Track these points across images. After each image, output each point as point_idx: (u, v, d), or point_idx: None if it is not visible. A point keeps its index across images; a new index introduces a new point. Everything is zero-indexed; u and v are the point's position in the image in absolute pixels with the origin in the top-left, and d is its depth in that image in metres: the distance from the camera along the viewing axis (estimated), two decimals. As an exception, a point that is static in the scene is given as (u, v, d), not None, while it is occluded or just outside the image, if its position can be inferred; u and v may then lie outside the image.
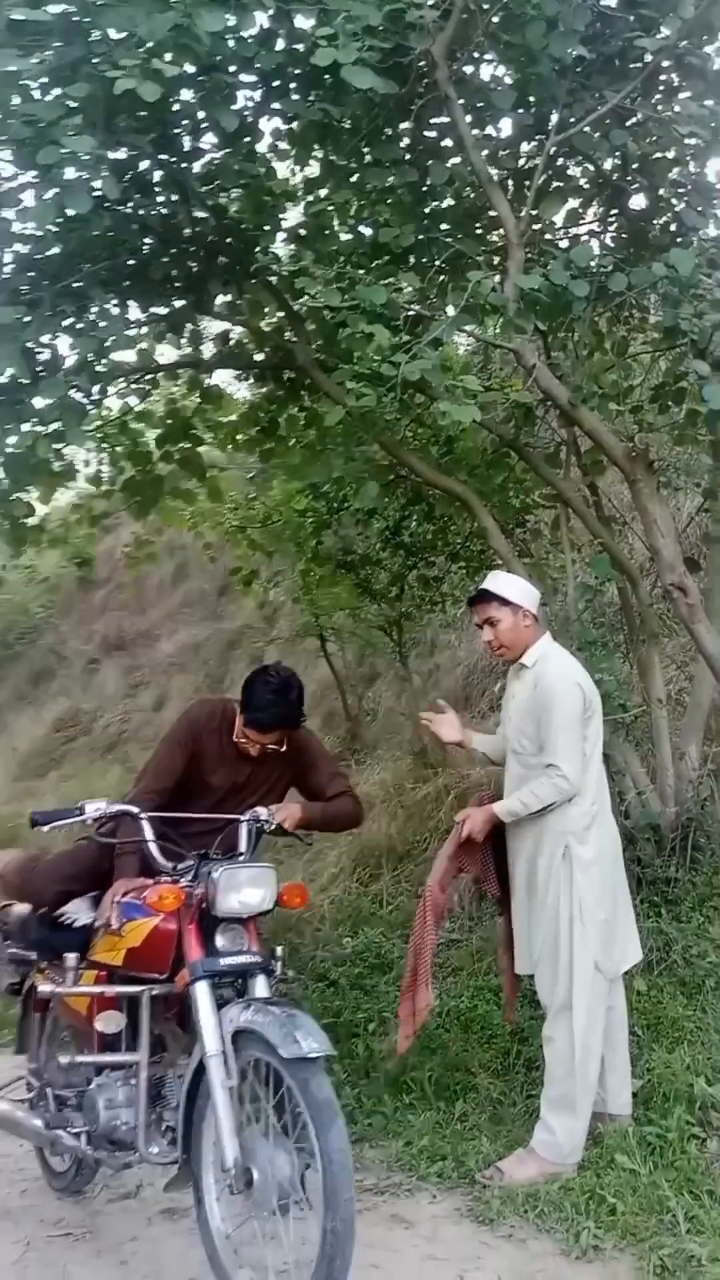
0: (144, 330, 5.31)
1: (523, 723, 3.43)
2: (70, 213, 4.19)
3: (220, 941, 2.84)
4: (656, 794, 4.33)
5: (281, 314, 5.14)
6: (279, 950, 2.97)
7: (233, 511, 7.04)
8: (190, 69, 3.91)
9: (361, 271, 4.03)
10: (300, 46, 4.07)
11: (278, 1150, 2.58)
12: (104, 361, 4.79)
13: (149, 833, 3.05)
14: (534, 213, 4.26)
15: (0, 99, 3.91)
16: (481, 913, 4.94)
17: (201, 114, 4.28)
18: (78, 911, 3.41)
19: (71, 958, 3.20)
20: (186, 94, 4.25)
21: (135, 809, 3.10)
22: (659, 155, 4.28)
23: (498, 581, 3.56)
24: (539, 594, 3.60)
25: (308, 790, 3.56)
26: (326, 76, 4.16)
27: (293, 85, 4.26)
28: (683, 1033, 3.62)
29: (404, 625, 6.92)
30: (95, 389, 4.93)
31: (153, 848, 3.03)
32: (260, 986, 2.81)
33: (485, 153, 4.25)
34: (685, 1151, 3.13)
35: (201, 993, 2.73)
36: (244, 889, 2.84)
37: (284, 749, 3.45)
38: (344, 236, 4.76)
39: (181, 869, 2.97)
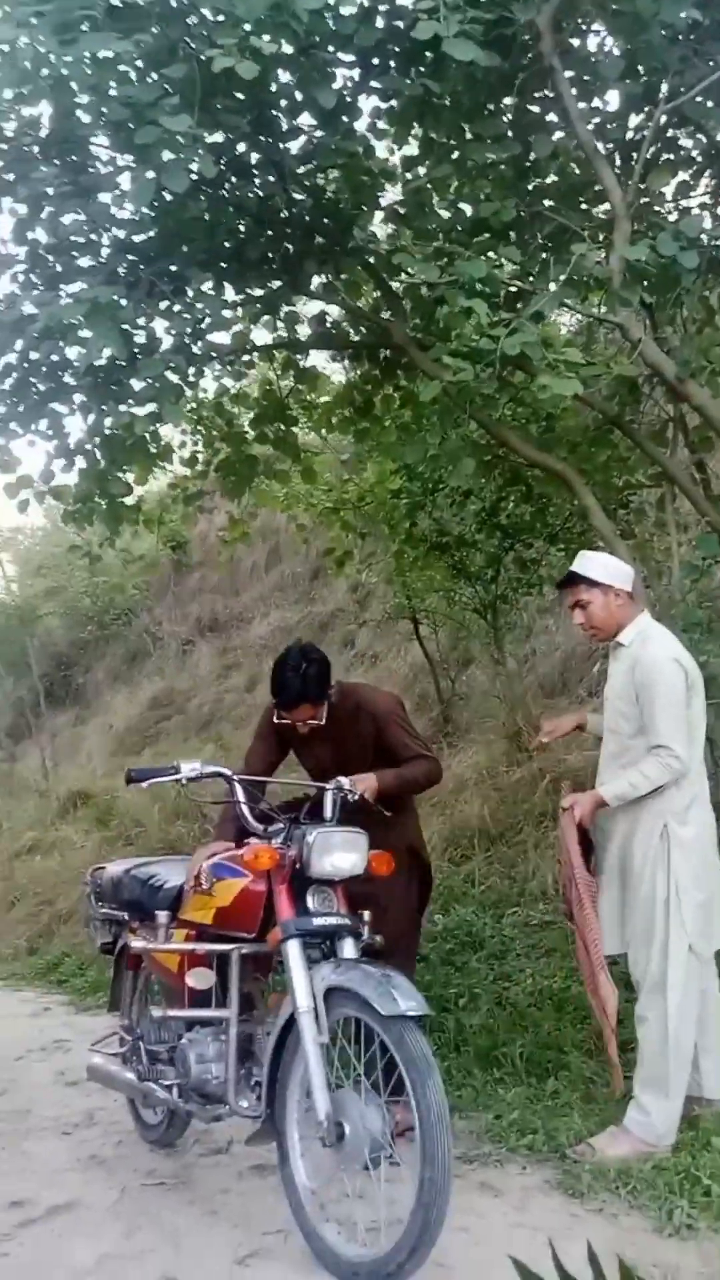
0: (240, 312, 5.38)
1: (620, 703, 3.37)
2: (167, 196, 4.31)
3: (311, 902, 2.91)
4: (757, 779, 4.21)
5: (378, 293, 5.14)
6: (365, 915, 3.00)
7: (326, 493, 7.08)
8: (288, 48, 3.95)
9: (460, 248, 4.00)
10: (400, 22, 4.07)
11: (369, 1106, 2.63)
12: (200, 343, 4.89)
13: (240, 794, 3.12)
14: (642, 185, 4.17)
15: (99, 82, 4.01)
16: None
17: (299, 94, 4.31)
18: (168, 873, 3.50)
19: (163, 915, 3.30)
20: (284, 75, 4.30)
21: (228, 770, 3.18)
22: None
23: (586, 562, 3.50)
24: (632, 571, 3.52)
25: (389, 759, 3.60)
26: (427, 52, 4.15)
27: (392, 62, 4.25)
28: (781, 1019, 3.52)
29: (499, 608, 6.87)
30: (191, 370, 5.02)
31: (244, 808, 3.11)
32: (349, 948, 2.86)
33: (591, 125, 4.16)
34: (783, 1137, 3.07)
35: (293, 950, 2.80)
36: (337, 852, 2.90)
37: (326, 722, 3.52)
38: (443, 214, 4.72)
39: (272, 831, 3.03)
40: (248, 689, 11.26)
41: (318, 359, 6.21)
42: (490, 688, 7.70)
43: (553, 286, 4.03)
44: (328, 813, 3.09)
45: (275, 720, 3.58)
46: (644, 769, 3.21)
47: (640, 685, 3.28)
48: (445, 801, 6.22)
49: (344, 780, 3.17)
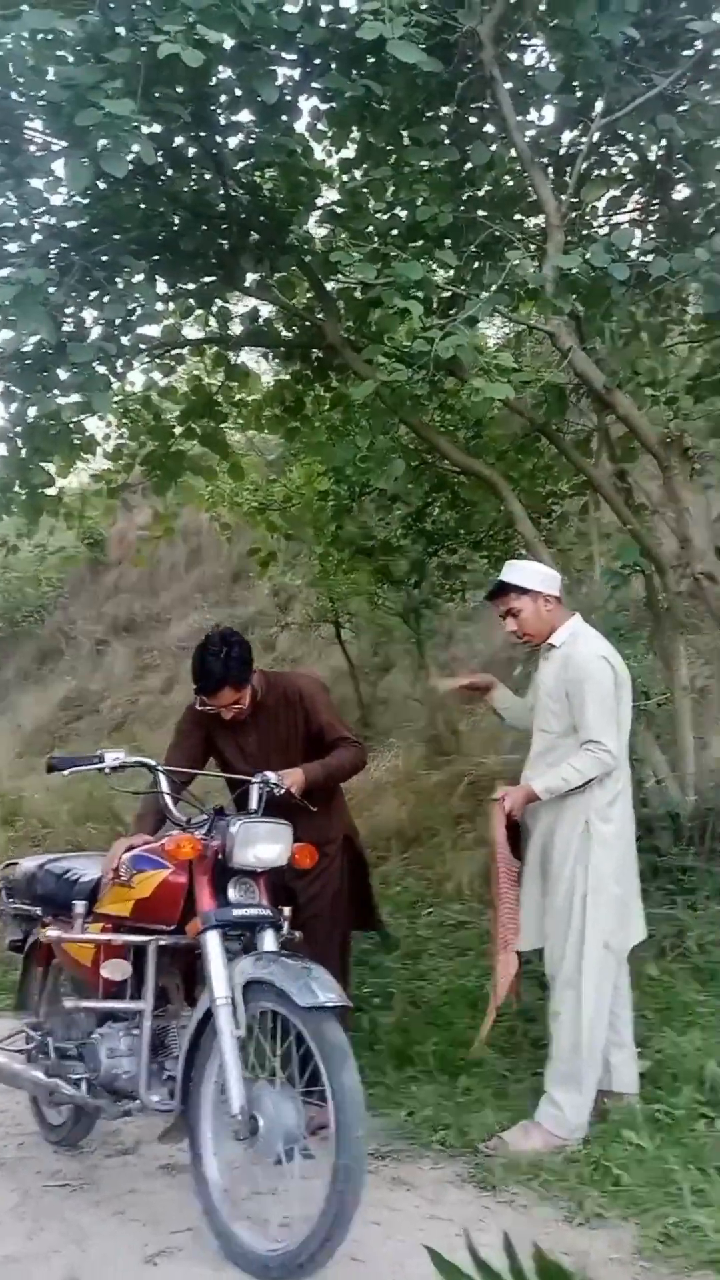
0: (171, 306, 5.34)
1: (550, 702, 3.42)
2: (102, 185, 4.26)
3: (232, 894, 2.88)
4: (676, 782, 4.33)
5: (311, 293, 5.16)
6: (285, 910, 2.99)
7: (253, 492, 7.06)
8: (231, 42, 3.95)
9: (396, 252, 4.04)
10: (344, 25, 4.10)
11: (283, 1099, 2.61)
12: (130, 335, 4.83)
13: (164, 785, 3.09)
14: (575, 199, 4.26)
15: (38, 62, 3.95)
16: (492, 896, 4.95)
17: (239, 90, 4.31)
18: (83, 868, 3.44)
19: (80, 905, 3.23)
20: (225, 71, 4.29)
21: (152, 761, 3.14)
22: (706, 143, 4.28)
23: (514, 571, 3.53)
24: (559, 576, 3.58)
25: (314, 740, 3.59)
26: (369, 57, 4.20)
27: (333, 64, 4.28)
28: (694, 1017, 3.62)
29: (422, 614, 6.93)
30: (120, 362, 4.96)
31: (168, 800, 3.08)
32: (269, 941, 2.84)
33: (527, 137, 4.25)
34: (693, 1129, 3.13)
35: (212, 941, 2.77)
36: (260, 843, 2.88)
37: (254, 709, 3.50)
38: (380, 217, 4.76)
39: (196, 822, 2.99)
40: (164, 690, 11.12)
41: (248, 357, 6.20)
42: (410, 693, 7.76)
43: (486, 294, 4.09)
44: (253, 805, 3.07)
45: (199, 708, 3.53)
46: (575, 763, 3.26)
47: (571, 682, 3.33)
48: (364, 804, 6.23)
49: (270, 774, 3.15)
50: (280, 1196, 2.70)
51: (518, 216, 4.74)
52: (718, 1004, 3.65)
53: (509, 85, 4.14)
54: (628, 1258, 2.65)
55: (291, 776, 3.31)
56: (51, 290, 4.04)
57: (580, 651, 3.37)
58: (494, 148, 4.48)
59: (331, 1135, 2.46)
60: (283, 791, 3.17)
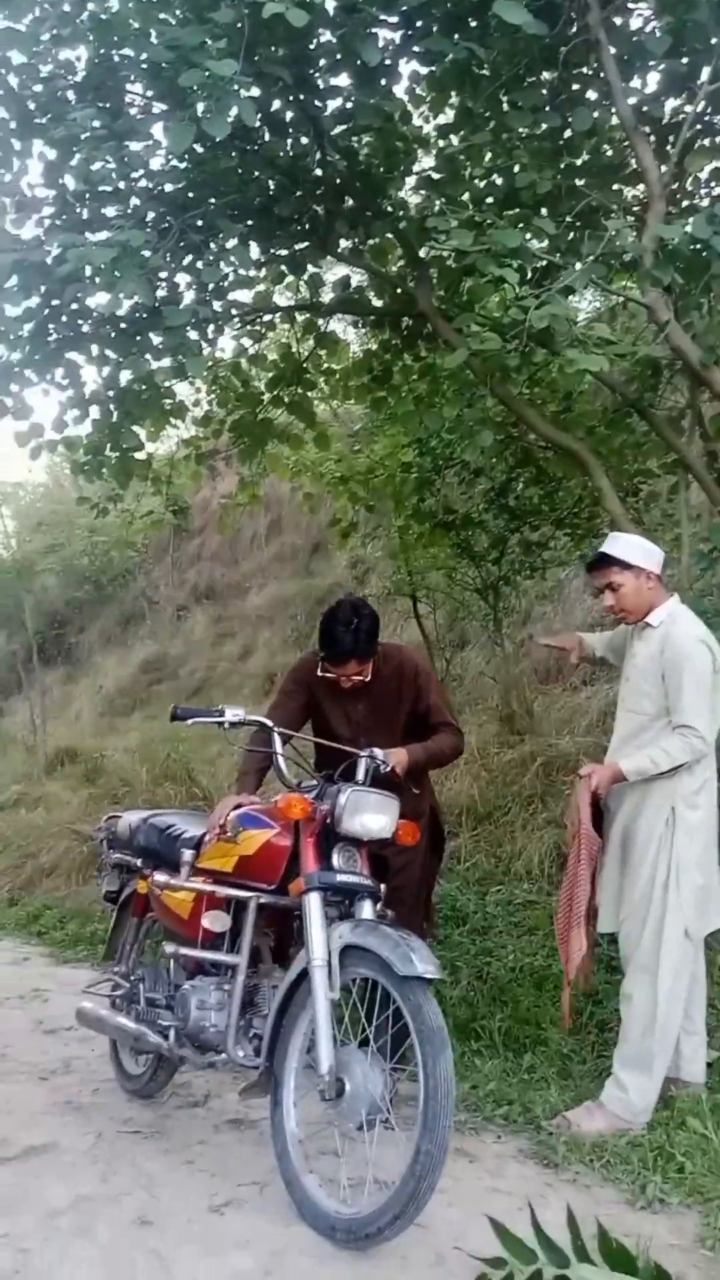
0: (264, 272, 5.34)
1: (643, 682, 3.34)
2: (199, 149, 4.26)
3: (336, 860, 2.91)
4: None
5: (404, 260, 5.11)
6: (382, 886, 3.01)
7: (336, 463, 7.05)
8: (333, 3, 3.91)
9: (493, 219, 3.97)
10: (448, -15, 4.03)
11: (373, 1068, 2.65)
12: (223, 301, 4.85)
13: (279, 746, 3.13)
14: (677, 169, 4.14)
15: (144, 24, 3.96)
16: (560, 875, 4.91)
17: (340, 54, 4.27)
18: (185, 823, 3.52)
19: (189, 854, 3.31)
20: (326, 34, 4.26)
21: (269, 721, 3.19)
22: None
23: (617, 544, 3.42)
24: (662, 554, 3.46)
25: (418, 717, 3.59)
26: (471, 19, 4.12)
27: (435, 26, 4.21)
28: (763, 1007, 3.56)
29: (500, 591, 6.86)
30: (212, 328, 4.99)
31: (281, 760, 3.12)
32: (367, 910, 2.87)
33: (632, 102, 4.13)
34: (759, 1121, 3.09)
35: (314, 903, 2.81)
36: (369, 812, 2.92)
37: (370, 678, 3.50)
38: (477, 183, 4.69)
39: (306, 786, 3.04)
40: (241, 658, 11.25)
41: (338, 325, 6.17)
42: (485, 670, 7.71)
43: (583, 264, 4.01)
44: (360, 778, 3.08)
45: (320, 673, 3.52)
46: (666, 746, 3.19)
47: (669, 665, 3.25)
48: (436, 779, 6.20)
49: (377, 751, 3.16)
50: (354, 1161, 2.74)
51: (617, 186, 4.62)
52: None
53: (614, 50, 4.02)
54: (689, 1245, 2.63)
55: (397, 756, 3.32)
56: (148, 254, 4.07)
57: (680, 633, 3.28)
58: (596, 114, 4.36)
59: (419, 1118, 2.48)
60: (388, 770, 3.19)
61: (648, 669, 3.33)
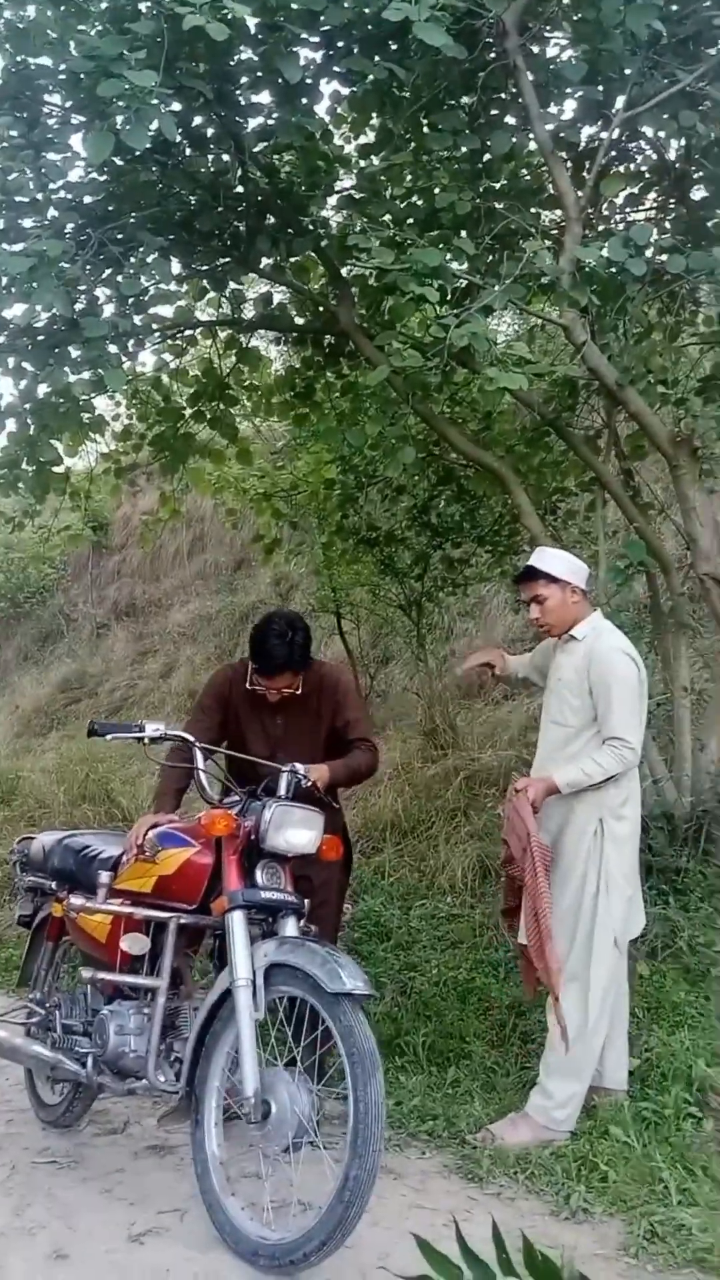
0: (184, 287, 5.31)
1: (569, 695, 3.38)
2: (119, 161, 4.23)
3: (260, 877, 2.88)
4: (673, 783, 4.32)
5: (326, 278, 5.13)
6: (305, 902, 2.98)
7: (260, 479, 7.03)
8: (255, 20, 3.91)
9: (413, 239, 4.01)
10: (368, 8, 4.06)
11: (299, 1089, 2.61)
12: (143, 315, 4.80)
13: (200, 761, 3.07)
14: (593, 193, 4.23)
15: (63, 32, 3.92)
16: (484, 889, 4.94)
17: (261, 71, 4.28)
18: (102, 844, 3.44)
19: (105, 875, 3.23)
20: (248, 51, 4.27)
21: (190, 736, 3.13)
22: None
23: (545, 558, 3.48)
24: (587, 569, 3.55)
25: (335, 732, 3.58)
26: (392, 42, 4.17)
27: (356, 47, 4.25)
28: (684, 1017, 3.62)
29: (423, 607, 6.90)
30: (132, 342, 4.93)
31: (203, 776, 3.07)
32: (290, 927, 2.85)
33: (549, 128, 4.22)
34: (680, 1129, 3.13)
35: (238, 921, 2.77)
36: (294, 828, 2.90)
37: (299, 692, 3.48)
38: (398, 203, 4.73)
39: (229, 802, 2.99)
40: (163, 675, 11.10)
41: (260, 342, 6.16)
42: (409, 685, 7.74)
43: (501, 285, 4.07)
44: (281, 793, 3.04)
45: (249, 686, 3.50)
46: (598, 759, 3.23)
47: (596, 678, 3.30)
48: (360, 794, 6.22)
49: (299, 766, 3.13)
50: (277, 1184, 2.70)
51: (535, 209, 4.70)
52: (707, 1004, 3.65)
53: (532, 76, 4.11)
54: (613, 1253, 2.65)
55: (317, 771, 3.29)
56: (66, 265, 4.01)
57: (605, 647, 3.35)
58: (514, 139, 4.45)
59: (348, 1142, 2.46)
60: (308, 784, 3.16)
61: (573, 681, 3.37)
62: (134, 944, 3.03)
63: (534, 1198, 2.94)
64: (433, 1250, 2.28)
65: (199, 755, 3.08)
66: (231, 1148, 2.82)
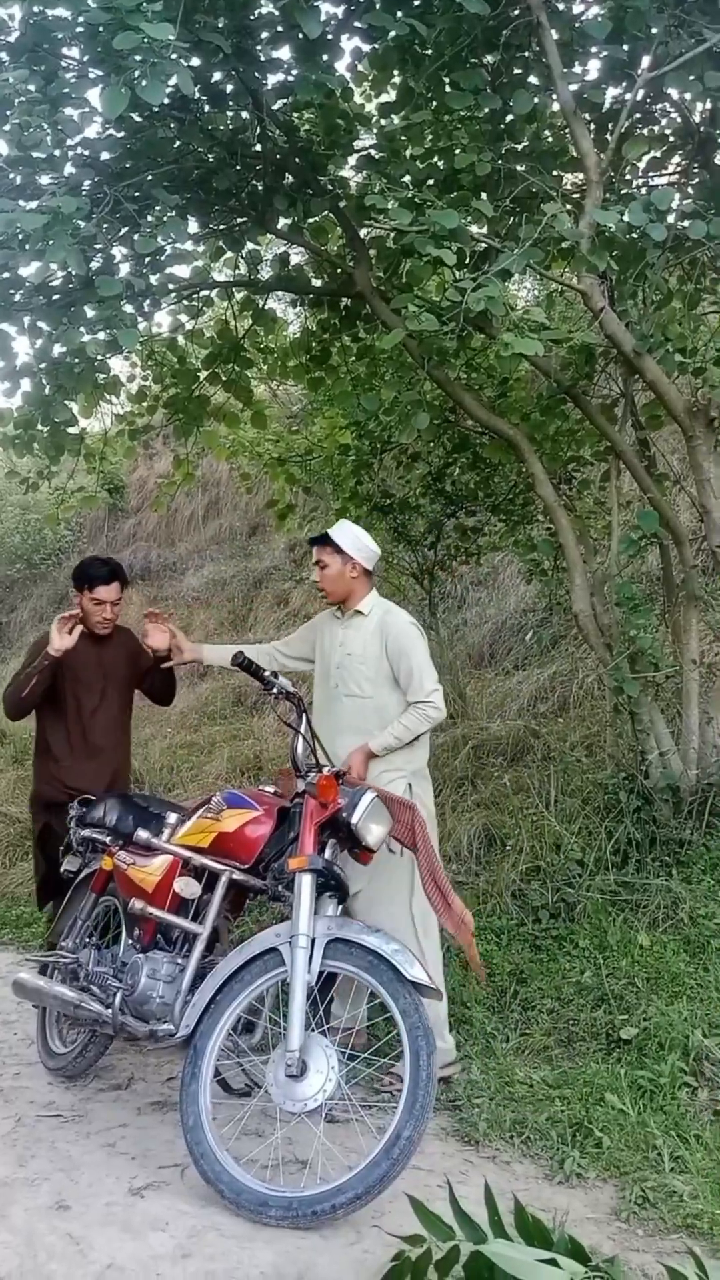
0: (201, 247, 5.26)
1: (363, 667, 3.59)
2: (137, 118, 4.17)
3: (327, 852, 3.00)
4: (679, 756, 4.31)
5: (344, 240, 5.07)
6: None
7: (274, 443, 6.99)
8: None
9: (432, 200, 3.95)
10: (391, -40, 3.99)
11: (332, 1055, 2.72)
12: (159, 274, 4.75)
13: (305, 727, 3.17)
14: (615, 156, 4.15)
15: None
16: (489, 857, 4.96)
17: (281, 26, 4.21)
18: (159, 808, 3.58)
19: (174, 816, 3.41)
20: (267, 5, 4.19)
21: (304, 698, 3.25)
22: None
23: (340, 530, 3.77)
24: (378, 553, 3.83)
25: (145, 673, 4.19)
26: (415, -4, 4.09)
27: (377, 3, 4.17)
28: (683, 988, 3.63)
29: (436, 576, 6.87)
30: (147, 302, 4.89)
31: (302, 741, 3.16)
32: (332, 908, 2.96)
33: (572, 88, 4.13)
34: (675, 1098, 3.16)
35: (307, 883, 2.86)
36: (379, 824, 3.09)
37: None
38: (417, 164, 4.66)
39: (328, 772, 3.08)
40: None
41: (276, 304, 6.11)
42: (420, 654, 7.72)
43: (520, 248, 4.01)
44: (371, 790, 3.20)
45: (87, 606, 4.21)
46: (404, 720, 3.50)
47: (394, 647, 3.59)
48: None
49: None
50: (273, 1142, 2.75)
51: (556, 171, 4.61)
52: (706, 975, 3.66)
53: (555, 34, 4.02)
54: (604, 1218, 2.68)
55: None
56: (81, 223, 3.97)
57: (399, 618, 3.69)
58: (536, 99, 4.35)
59: (402, 1105, 2.57)
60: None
61: (366, 654, 3.62)
62: (186, 887, 3.14)
63: (529, 1161, 2.97)
64: (426, 1210, 2.33)
65: (305, 720, 3.17)
66: (224, 1105, 2.87)
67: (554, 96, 4.19)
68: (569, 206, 4.33)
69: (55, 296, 4.51)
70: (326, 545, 3.73)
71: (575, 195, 4.57)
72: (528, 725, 5.89)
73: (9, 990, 3.73)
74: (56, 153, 4.30)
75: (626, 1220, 2.66)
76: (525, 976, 3.99)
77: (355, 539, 3.75)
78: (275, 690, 3.19)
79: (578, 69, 4.49)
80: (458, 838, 5.19)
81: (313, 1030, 2.76)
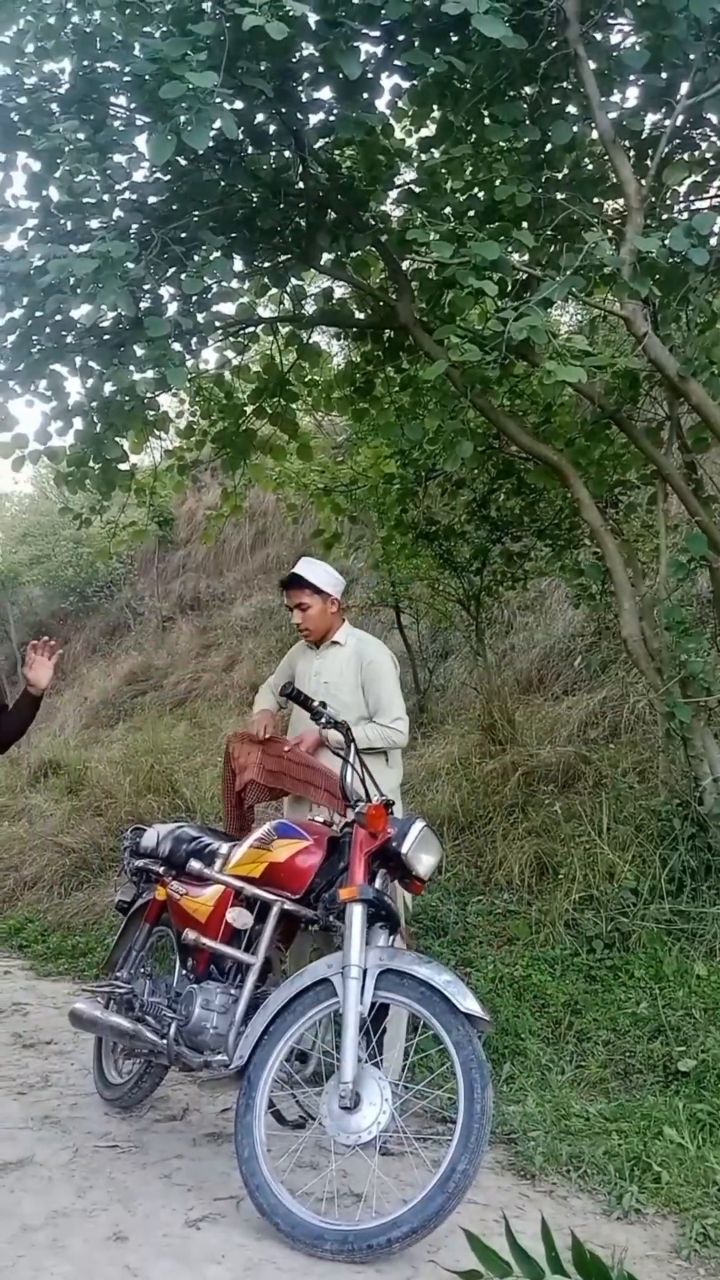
0: (246, 284, 5.36)
1: (340, 693, 3.67)
2: (183, 161, 4.28)
3: (377, 882, 3.00)
4: (733, 781, 4.26)
5: (385, 273, 5.14)
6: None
7: (319, 474, 7.07)
8: (315, 17, 3.93)
9: (473, 232, 3.99)
10: (427, 2, 4.05)
11: (385, 1087, 2.71)
12: (205, 312, 4.85)
13: (353, 755, 3.18)
14: (655, 182, 4.17)
15: (127, 35, 3.98)
16: (541, 886, 4.92)
17: (321, 67, 4.29)
18: (210, 840, 3.59)
19: (225, 846, 3.42)
20: (308, 48, 4.28)
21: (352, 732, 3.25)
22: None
23: (310, 569, 3.82)
24: (343, 582, 3.94)
25: None
26: (452, 34, 4.15)
27: (416, 40, 4.24)
28: (742, 1017, 3.57)
29: (482, 601, 6.87)
30: (194, 340, 5.00)
31: (351, 770, 3.16)
32: (383, 939, 2.94)
33: (611, 116, 4.16)
34: (736, 1131, 3.09)
35: (358, 914, 2.85)
36: (430, 854, 3.09)
37: None
38: (457, 196, 4.72)
39: (377, 801, 3.07)
40: (225, 668, 11.23)
41: (320, 337, 6.19)
42: (468, 680, 7.72)
43: (562, 276, 4.03)
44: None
45: None
46: (367, 730, 3.58)
47: (369, 673, 3.73)
48: (418, 788, 6.23)
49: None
50: (327, 1177, 2.74)
51: (596, 199, 4.65)
52: (769, 1006, 3.59)
53: (593, 64, 4.06)
54: (665, 1255, 2.62)
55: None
56: (130, 265, 4.08)
57: (373, 646, 3.83)
58: (575, 128, 4.40)
59: (457, 1139, 2.55)
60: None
61: (343, 681, 3.73)
62: (238, 917, 3.15)
63: (586, 1196, 2.92)
64: (483, 1245, 2.28)
65: (353, 750, 3.18)
66: (280, 1138, 2.86)
67: (593, 125, 4.22)
68: (610, 233, 4.35)
69: (106, 337, 4.64)
70: (304, 588, 3.77)
71: (616, 222, 4.59)
72: (578, 751, 5.84)
73: (66, 1020, 3.76)
74: (105, 198, 4.43)
75: (688, 1258, 2.60)
76: (580, 1007, 3.94)
77: (327, 574, 3.83)
78: (324, 720, 3.21)
79: (616, 97, 4.52)
80: (509, 866, 5.15)
81: (365, 1062, 2.76)
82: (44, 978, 6.03)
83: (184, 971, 3.35)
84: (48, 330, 4.63)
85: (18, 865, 8.13)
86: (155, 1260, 2.60)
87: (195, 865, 3.38)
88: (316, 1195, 2.76)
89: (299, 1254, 2.60)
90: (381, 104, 4.75)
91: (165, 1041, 3.17)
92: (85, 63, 4.18)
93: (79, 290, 4.13)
